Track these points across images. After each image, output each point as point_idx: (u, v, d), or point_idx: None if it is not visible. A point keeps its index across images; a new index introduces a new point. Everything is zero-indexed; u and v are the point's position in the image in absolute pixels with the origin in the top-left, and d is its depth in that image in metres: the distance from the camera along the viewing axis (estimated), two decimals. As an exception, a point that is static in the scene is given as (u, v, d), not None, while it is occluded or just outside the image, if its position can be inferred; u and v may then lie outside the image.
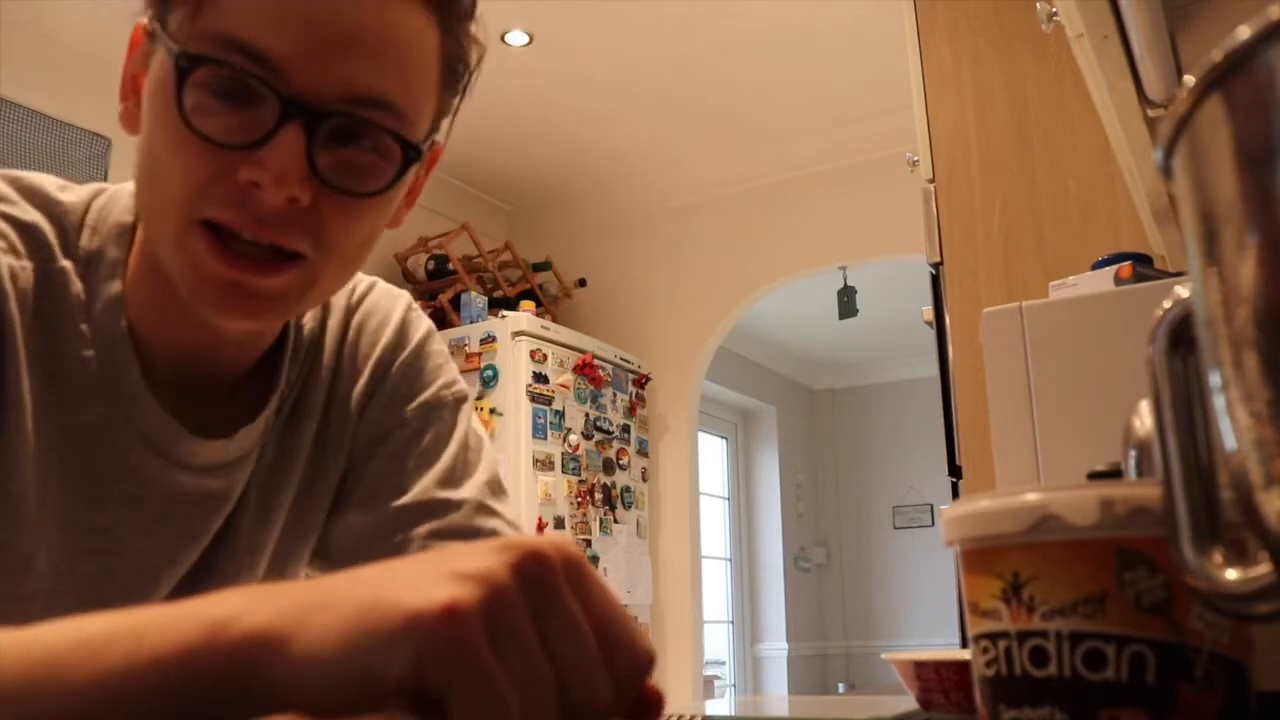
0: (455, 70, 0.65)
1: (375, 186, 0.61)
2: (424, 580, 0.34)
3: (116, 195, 0.69)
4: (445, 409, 0.78)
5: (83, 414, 0.65)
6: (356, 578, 0.37)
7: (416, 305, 0.84)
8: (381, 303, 0.80)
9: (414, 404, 0.78)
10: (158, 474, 0.67)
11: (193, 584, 0.71)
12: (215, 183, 0.57)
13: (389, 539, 0.73)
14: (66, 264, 0.65)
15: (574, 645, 0.35)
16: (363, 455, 0.77)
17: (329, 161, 0.58)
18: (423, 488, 0.75)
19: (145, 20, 0.62)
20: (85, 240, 0.66)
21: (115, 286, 0.66)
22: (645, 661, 0.37)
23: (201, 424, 0.68)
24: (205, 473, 0.69)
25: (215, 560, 0.72)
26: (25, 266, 0.63)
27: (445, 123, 0.68)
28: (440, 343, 0.83)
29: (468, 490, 0.76)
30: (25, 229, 0.64)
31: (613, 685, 0.36)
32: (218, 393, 0.70)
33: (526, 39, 3.51)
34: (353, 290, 0.80)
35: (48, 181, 0.68)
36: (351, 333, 0.78)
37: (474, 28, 0.67)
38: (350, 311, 0.79)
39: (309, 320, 0.76)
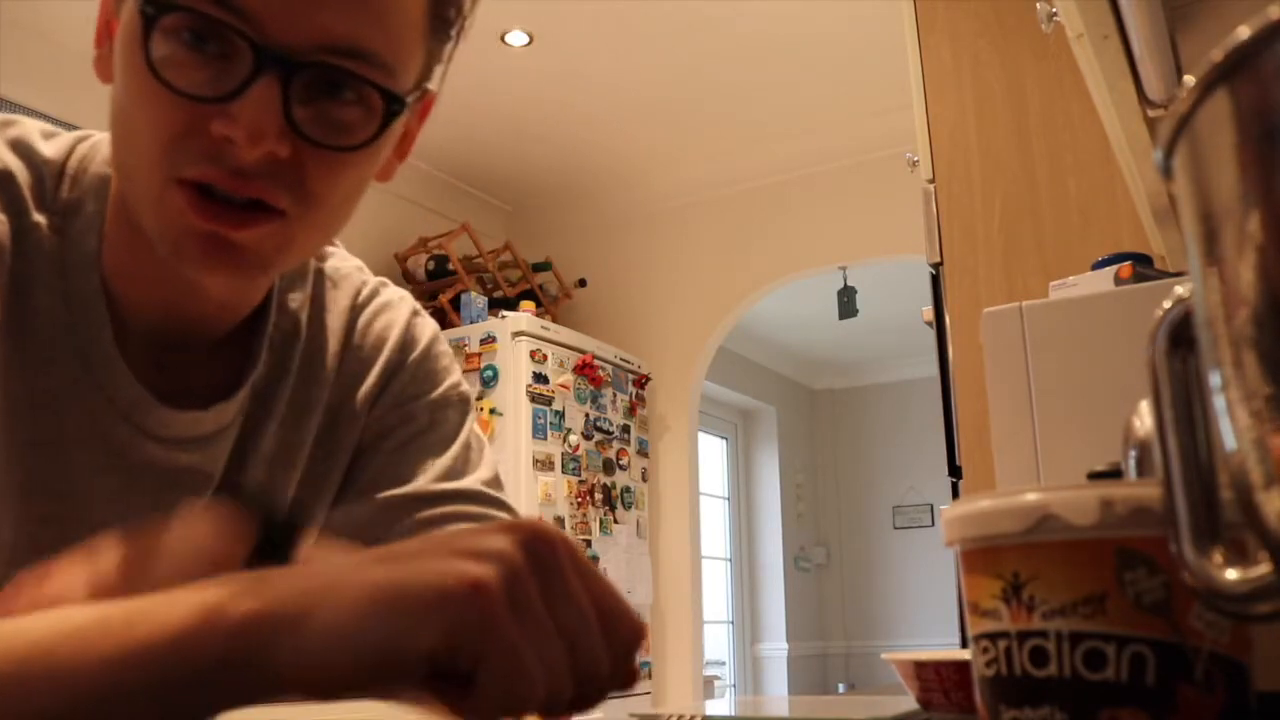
0: (445, 15, 0.62)
1: (357, 140, 0.58)
2: (442, 559, 0.36)
3: (99, 145, 0.66)
4: (451, 408, 0.78)
5: (53, 376, 0.62)
6: (359, 562, 0.38)
7: (421, 307, 0.83)
8: (389, 304, 0.80)
9: (421, 401, 0.77)
10: (125, 442, 0.65)
11: None
12: (188, 137, 0.55)
13: (390, 526, 0.73)
14: (41, 218, 0.62)
15: (578, 621, 0.37)
16: (367, 450, 0.76)
17: (307, 115, 0.56)
18: (426, 480, 0.75)
19: None
20: (65, 191, 0.63)
21: (91, 242, 0.63)
22: (639, 635, 0.40)
23: (176, 394, 0.66)
24: (176, 445, 0.67)
25: None
26: (2, 220, 0.60)
27: (438, 70, 0.64)
28: (446, 344, 0.83)
29: (469, 483, 0.76)
30: (1, 179, 0.61)
31: (611, 658, 0.38)
32: (194, 362, 0.68)
33: (526, 39, 3.51)
34: (358, 290, 0.79)
35: (32, 127, 0.65)
36: (358, 333, 0.77)
37: None
38: (356, 310, 0.78)
39: (297, 303, 0.74)
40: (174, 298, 0.64)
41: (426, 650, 0.34)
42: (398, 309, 0.80)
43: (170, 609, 0.36)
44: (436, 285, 4.13)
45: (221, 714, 0.36)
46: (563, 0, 3.29)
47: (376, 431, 0.76)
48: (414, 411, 0.77)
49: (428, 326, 0.81)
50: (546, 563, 0.37)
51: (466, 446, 0.78)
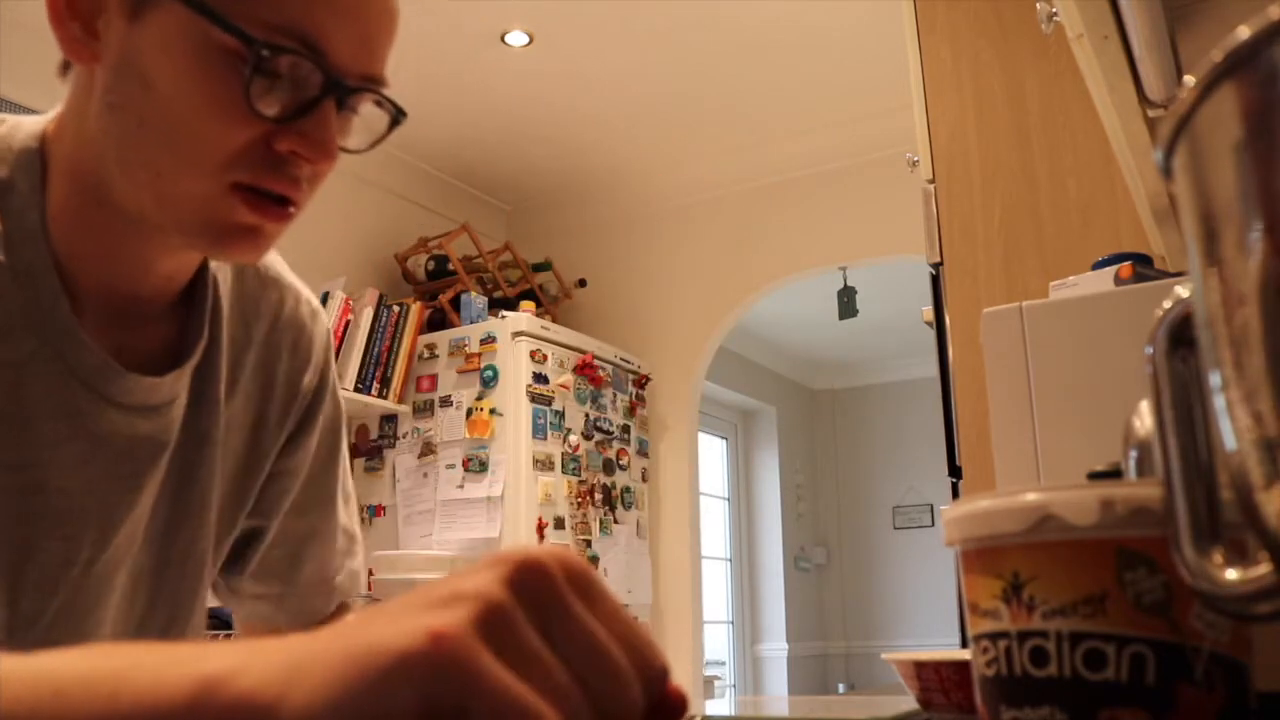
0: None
1: (368, 144, 0.69)
2: (406, 614, 0.32)
3: (18, 124, 0.68)
4: (341, 424, 0.89)
5: (9, 349, 0.64)
6: (343, 627, 0.34)
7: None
8: (306, 297, 0.86)
9: (339, 420, 0.87)
10: (87, 410, 0.66)
11: (163, 538, 0.74)
12: (251, 149, 0.61)
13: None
14: None
15: (591, 653, 0.33)
16: (300, 445, 0.84)
17: (341, 127, 0.65)
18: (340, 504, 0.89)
19: None
20: None
21: (32, 217, 0.65)
22: (664, 666, 0.35)
23: (128, 364, 0.68)
24: (135, 412, 0.69)
25: (181, 512, 0.74)
26: None
27: None
28: None
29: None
30: None
31: (642, 690, 0.34)
32: (137, 332, 0.70)
33: (526, 39, 3.51)
34: (263, 268, 0.82)
35: None
36: (284, 317, 0.82)
37: None
38: (264, 283, 0.81)
39: (220, 273, 0.78)
40: (124, 270, 0.68)
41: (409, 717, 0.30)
42: (314, 303, 0.86)
43: (163, 676, 0.33)
44: (436, 285, 4.13)
45: None
46: (563, 0, 3.29)
47: (322, 442, 0.86)
48: (339, 429, 0.87)
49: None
50: (539, 593, 0.33)
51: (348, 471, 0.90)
